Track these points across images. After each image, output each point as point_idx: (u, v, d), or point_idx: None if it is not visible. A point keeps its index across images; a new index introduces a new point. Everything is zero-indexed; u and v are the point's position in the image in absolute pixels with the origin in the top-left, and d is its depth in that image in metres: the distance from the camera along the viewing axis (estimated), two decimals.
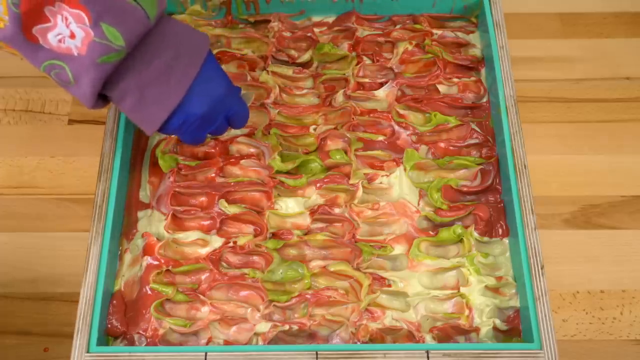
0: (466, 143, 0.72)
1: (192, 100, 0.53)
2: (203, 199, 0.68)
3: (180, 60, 0.51)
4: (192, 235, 0.66)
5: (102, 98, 0.51)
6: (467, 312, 0.63)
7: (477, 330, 0.62)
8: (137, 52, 0.49)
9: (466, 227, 0.66)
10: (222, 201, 0.67)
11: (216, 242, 0.66)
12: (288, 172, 0.69)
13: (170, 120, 0.53)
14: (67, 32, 0.45)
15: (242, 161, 0.70)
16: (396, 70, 0.76)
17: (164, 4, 0.50)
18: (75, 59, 0.46)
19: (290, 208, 0.68)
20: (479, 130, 0.72)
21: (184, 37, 0.52)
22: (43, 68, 0.48)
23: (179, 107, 0.52)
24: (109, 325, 0.61)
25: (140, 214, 0.68)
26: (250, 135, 0.71)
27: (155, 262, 0.64)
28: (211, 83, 0.54)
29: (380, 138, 0.72)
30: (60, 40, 0.46)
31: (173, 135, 0.59)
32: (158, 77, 0.50)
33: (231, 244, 0.66)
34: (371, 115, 0.73)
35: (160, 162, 0.69)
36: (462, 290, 0.64)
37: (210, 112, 0.55)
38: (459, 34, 0.78)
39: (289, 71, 0.75)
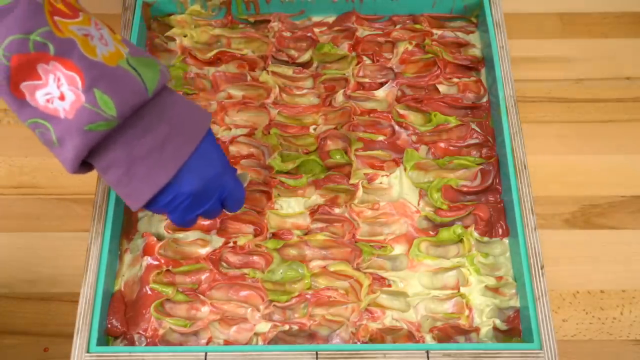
0: (466, 143, 0.72)
1: (183, 178, 0.49)
2: None
3: (175, 137, 0.47)
4: (192, 235, 0.66)
5: (86, 164, 0.47)
6: (467, 312, 0.63)
7: (477, 330, 0.62)
8: (131, 124, 0.45)
9: (466, 227, 0.66)
10: None
11: (216, 242, 0.66)
12: (288, 172, 0.69)
13: (158, 196, 0.49)
14: (57, 93, 0.43)
15: (242, 161, 0.70)
16: (396, 70, 0.76)
17: (166, 77, 0.47)
18: (61, 121, 0.43)
19: (291, 208, 0.68)
20: (479, 130, 0.72)
21: (184, 113, 0.49)
22: (27, 124, 0.45)
23: (168, 184, 0.49)
24: (109, 325, 0.61)
25: (140, 214, 0.68)
26: (250, 135, 0.71)
27: (155, 262, 0.64)
28: (206, 162, 0.50)
29: (380, 138, 0.72)
30: (48, 100, 0.43)
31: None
32: (149, 153, 0.46)
33: (231, 244, 0.66)
34: (371, 115, 0.73)
35: None
36: (462, 290, 0.64)
37: (202, 192, 0.51)
38: (459, 34, 0.78)
39: (289, 71, 0.75)
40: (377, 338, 0.62)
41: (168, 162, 0.47)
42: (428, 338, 0.62)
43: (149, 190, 0.47)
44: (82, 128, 0.43)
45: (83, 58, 0.42)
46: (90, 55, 0.43)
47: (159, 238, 0.65)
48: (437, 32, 0.78)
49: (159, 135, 0.46)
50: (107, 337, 0.61)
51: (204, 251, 0.65)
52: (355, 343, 0.61)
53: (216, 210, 0.55)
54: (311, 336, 0.62)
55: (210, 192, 0.52)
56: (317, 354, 0.57)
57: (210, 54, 0.76)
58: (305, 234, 0.67)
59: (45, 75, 0.42)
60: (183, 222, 0.54)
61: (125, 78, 0.44)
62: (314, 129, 0.73)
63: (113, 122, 0.43)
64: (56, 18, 0.42)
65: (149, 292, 0.63)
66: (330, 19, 0.80)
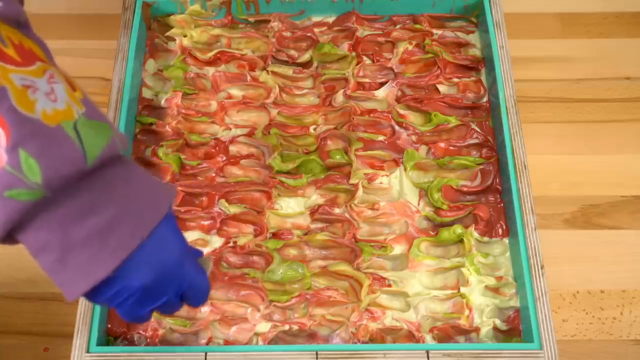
0: (466, 143, 0.72)
1: (130, 270, 0.40)
2: (203, 199, 0.68)
3: (123, 221, 0.39)
4: (192, 235, 0.66)
5: (11, 236, 0.38)
6: (467, 312, 0.63)
7: (477, 330, 0.62)
8: (68, 200, 0.37)
9: (466, 227, 0.66)
10: (222, 201, 0.67)
11: (216, 242, 0.66)
12: (288, 172, 0.69)
13: (98, 289, 0.40)
14: None
15: (242, 161, 0.70)
16: (396, 70, 0.76)
17: (116, 147, 0.39)
18: None
19: (290, 208, 0.68)
20: (479, 130, 0.72)
21: (139, 191, 0.41)
22: None
23: (111, 276, 0.40)
24: (109, 325, 0.61)
25: None
26: (250, 135, 0.71)
27: None
28: (160, 250, 0.42)
29: (380, 138, 0.72)
30: None
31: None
32: (89, 239, 0.38)
33: (231, 244, 0.66)
34: (371, 115, 0.73)
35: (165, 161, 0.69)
36: (462, 290, 0.64)
37: (155, 286, 0.42)
38: (459, 34, 0.78)
39: (289, 71, 0.75)
40: (377, 338, 0.62)
41: (111, 252, 0.39)
42: (428, 338, 0.62)
43: (84, 283, 0.39)
44: (2, 194, 0.35)
45: (13, 111, 0.35)
46: (24, 110, 0.35)
47: None
48: (437, 32, 0.78)
49: (102, 218, 0.38)
50: (107, 337, 0.61)
51: (204, 251, 0.65)
52: (355, 343, 0.61)
53: (174, 305, 0.46)
54: (311, 336, 0.62)
55: (164, 285, 0.43)
56: (317, 354, 0.57)
57: (210, 54, 0.76)
58: (305, 234, 0.67)
59: None
60: (132, 318, 0.44)
61: (61, 141, 0.36)
62: (314, 129, 0.73)
63: (38, 192, 0.35)
64: None
65: None
66: (330, 19, 0.80)
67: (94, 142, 0.37)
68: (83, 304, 0.59)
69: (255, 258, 0.66)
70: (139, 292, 0.42)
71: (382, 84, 0.75)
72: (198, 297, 0.48)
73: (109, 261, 0.39)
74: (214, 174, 0.69)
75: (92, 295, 0.41)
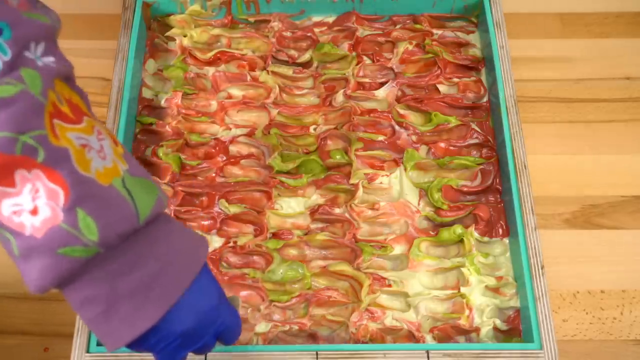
0: (466, 143, 0.72)
1: (172, 318, 0.42)
2: (203, 199, 0.68)
3: (166, 275, 0.40)
4: None
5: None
6: (467, 312, 0.63)
7: (477, 330, 0.62)
8: (116, 255, 0.38)
9: (466, 227, 0.66)
10: (222, 201, 0.67)
11: (216, 242, 0.66)
12: (288, 172, 0.69)
13: (142, 337, 0.41)
14: (30, 206, 0.36)
15: (242, 161, 0.70)
16: (396, 70, 0.76)
17: (162, 206, 0.41)
18: (25, 239, 0.36)
19: (291, 208, 0.68)
20: (479, 130, 0.72)
21: (178, 245, 0.42)
22: None
23: (156, 324, 0.41)
24: None
25: None
26: (250, 135, 0.71)
27: None
28: (199, 297, 0.44)
29: (381, 138, 0.72)
30: (15, 212, 0.36)
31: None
32: (134, 292, 0.39)
33: (231, 244, 0.66)
34: (371, 115, 0.73)
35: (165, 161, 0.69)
36: (462, 290, 0.64)
37: (195, 330, 0.44)
38: (459, 34, 0.78)
39: (289, 71, 0.75)
40: (377, 338, 0.62)
41: (155, 304, 0.40)
42: (428, 338, 0.62)
43: (129, 333, 0.40)
44: (54, 250, 0.36)
45: (74, 172, 0.36)
46: (82, 170, 0.37)
47: None
48: (437, 32, 0.78)
49: (147, 273, 0.40)
50: None
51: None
52: (355, 343, 0.61)
53: (210, 345, 0.48)
54: (311, 336, 0.62)
55: (204, 329, 0.45)
56: (317, 354, 0.57)
57: (210, 54, 0.76)
58: (305, 234, 0.67)
59: (21, 184, 0.36)
60: None
61: (116, 200, 0.38)
62: (314, 129, 0.73)
63: (92, 249, 0.37)
64: (56, 121, 0.36)
65: None
66: (330, 19, 0.80)
67: (144, 201, 0.39)
68: None
69: (255, 258, 0.66)
70: (180, 338, 0.43)
71: (382, 84, 0.75)
72: (232, 336, 0.49)
73: (154, 312, 0.40)
74: (214, 174, 0.69)
75: (135, 343, 0.42)
